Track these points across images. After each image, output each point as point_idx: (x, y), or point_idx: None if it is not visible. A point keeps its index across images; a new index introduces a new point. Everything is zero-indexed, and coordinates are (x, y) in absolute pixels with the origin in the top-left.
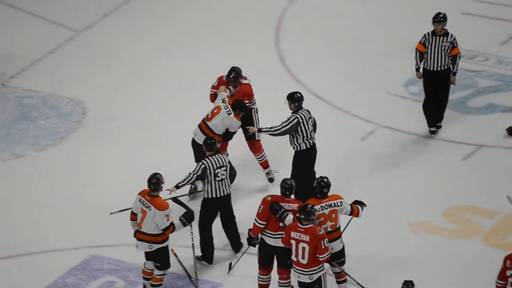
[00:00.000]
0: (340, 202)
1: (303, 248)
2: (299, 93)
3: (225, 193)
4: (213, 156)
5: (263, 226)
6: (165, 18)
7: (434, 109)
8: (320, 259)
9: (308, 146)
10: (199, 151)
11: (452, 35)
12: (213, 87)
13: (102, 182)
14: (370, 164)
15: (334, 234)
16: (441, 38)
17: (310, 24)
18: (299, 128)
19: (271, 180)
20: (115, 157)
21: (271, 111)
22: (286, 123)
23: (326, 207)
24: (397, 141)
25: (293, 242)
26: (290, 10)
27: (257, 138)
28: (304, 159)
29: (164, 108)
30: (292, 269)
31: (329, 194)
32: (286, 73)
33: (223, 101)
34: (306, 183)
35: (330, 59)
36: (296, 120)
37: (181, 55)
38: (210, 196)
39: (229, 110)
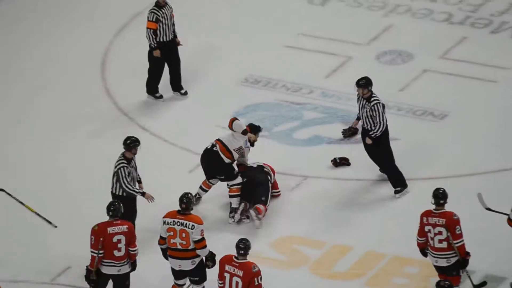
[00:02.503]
0: (193, 225)
1: (237, 283)
2: (366, 77)
3: None
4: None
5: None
6: None
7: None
8: None
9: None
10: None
11: None
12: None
13: None
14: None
15: (184, 253)
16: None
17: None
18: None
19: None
20: None
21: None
22: (380, 115)
23: (178, 224)
24: None
25: (226, 275)
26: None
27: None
28: (386, 135)
29: None
30: None
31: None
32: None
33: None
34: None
35: None
36: (381, 104)
37: None
38: None
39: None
